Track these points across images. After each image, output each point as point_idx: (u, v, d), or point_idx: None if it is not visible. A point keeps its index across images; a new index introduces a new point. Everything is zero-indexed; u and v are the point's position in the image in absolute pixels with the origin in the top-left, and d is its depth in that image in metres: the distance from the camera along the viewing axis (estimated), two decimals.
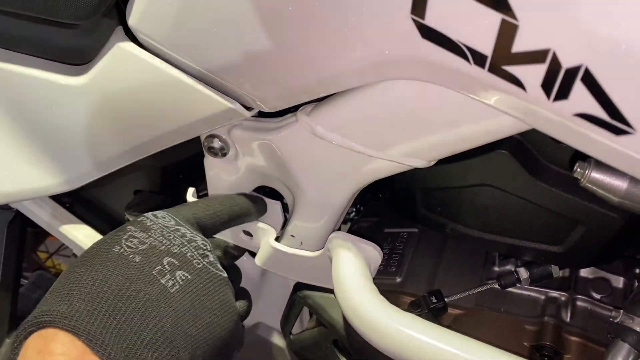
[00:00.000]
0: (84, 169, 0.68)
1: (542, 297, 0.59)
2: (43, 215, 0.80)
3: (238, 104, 0.53)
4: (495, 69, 0.33)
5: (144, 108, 0.57)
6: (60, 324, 0.39)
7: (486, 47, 0.33)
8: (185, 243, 0.48)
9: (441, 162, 0.51)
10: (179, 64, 0.52)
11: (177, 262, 0.46)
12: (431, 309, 0.57)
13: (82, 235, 0.80)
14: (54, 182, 0.70)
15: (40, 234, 1.45)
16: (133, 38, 0.54)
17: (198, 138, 0.62)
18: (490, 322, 0.58)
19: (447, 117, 0.44)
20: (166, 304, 0.43)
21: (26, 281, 1.08)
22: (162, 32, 0.50)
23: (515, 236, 0.54)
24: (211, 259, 0.48)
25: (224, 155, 0.62)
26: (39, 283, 1.07)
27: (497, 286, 0.59)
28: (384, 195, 0.65)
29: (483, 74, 0.34)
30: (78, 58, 0.58)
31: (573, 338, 0.56)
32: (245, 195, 0.60)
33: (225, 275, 0.48)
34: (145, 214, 0.50)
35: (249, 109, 0.54)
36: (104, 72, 0.56)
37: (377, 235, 0.68)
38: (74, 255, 0.87)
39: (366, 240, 0.56)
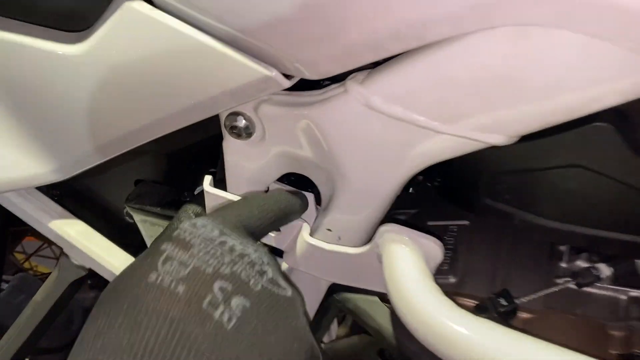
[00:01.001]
0: (80, 154, 0.58)
1: (624, 297, 0.51)
2: (29, 209, 0.70)
3: (276, 71, 0.44)
4: None
5: (158, 79, 0.48)
6: None
7: None
8: (237, 259, 0.38)
9: (520, 139, 0.43)
10: (201, 25, 0.43)
11: (230, 287, 0.36)
12: (501, 312, 0.49)
13: (74, 232, 0.70)
14: (43, 170, 0.61)
15: (18, 234, 1.33)
16: None
17: (212, 118, 0.52)
18: (566, 326, 0.50)
19: (554, 79, 0.35)
20: (225, 346, 0.33)
21: (6, 285, 0.98)
22: None
23: (602, 227, 0.46)
24: (270, 276, 0.38)
25: (249, 136, 0.53)
26: (22, 287, 0.96)
27: (572, 285, 0.51)
28: (433, 183, 0.56)
29: None
30: (76, 23, 0.49)
31: None
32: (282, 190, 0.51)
33: (291, 292, 0.39)
34: (182, 225, 0.39)
35: (288, 77, 0.45)
36: (108, 38, 0.47)
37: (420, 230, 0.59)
38: (63, 254, 0.77)
39: (424, 234, 0.48)
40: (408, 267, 0.47)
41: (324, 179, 0.54)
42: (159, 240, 0.39)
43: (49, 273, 1.49)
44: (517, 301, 0.50)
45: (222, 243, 0.38)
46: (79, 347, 0.33)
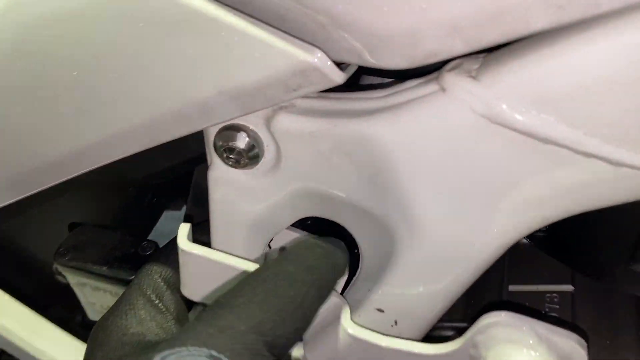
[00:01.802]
0: None
1: None
2: None
3: (320, 53, 0.25)
4: None
5: (131, 69, 0.29)
6: None
7: None
8: None
9: None
10: None
11: None
12: None
13: None
14: None
15: None
16: None
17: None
18: None
19: None
20: None
21: None
22: None
23: None
24: None
25: (254, 162, 0.33)
26: None
27: None
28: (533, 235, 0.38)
29: None
30: None
31: None
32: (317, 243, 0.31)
33: None
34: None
35: (341, 66, 0.26)
36: None
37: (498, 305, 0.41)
38: None
39: (561, 330, 0.29)
40: None
41: (371, 230, 0.35)
42: None
43: None
44: None
45: None
46: None
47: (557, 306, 0.39)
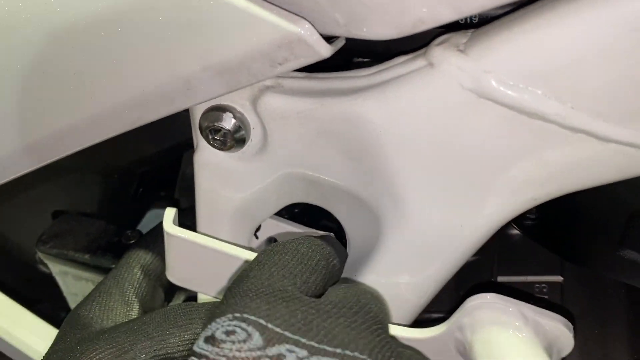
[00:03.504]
0: None
1: None
2: None
3: (308, 25, 0.24)
4: None
5: (112, 44, 0.28)
6: None
7: None
8: None
9: None
10: None
11: None
12: None
13: None
14: None
15: None
16: None
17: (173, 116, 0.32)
18: None
19: None
20: None
21: None
22: None
23: None
24: None
25: (240, 145, 0.33)
26: None
27: None
28: (522, 221, 0.37)
29: None
30: None
31: None
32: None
33: None
34: (195, 347, 0.20)
35: (329, 40, 0.25)
36: None
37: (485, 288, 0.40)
38: None
39: (547, 312, 0.29)
40: None
41: (359, 216, 0.34)
42: None
43: None
44: None
45: (280, 356, 0.19)
46: None
47: (546, 296, 0.39)
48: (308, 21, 0.25)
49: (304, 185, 0.35)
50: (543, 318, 0.28)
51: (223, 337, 0.20)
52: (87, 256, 0.44)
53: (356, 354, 0.20)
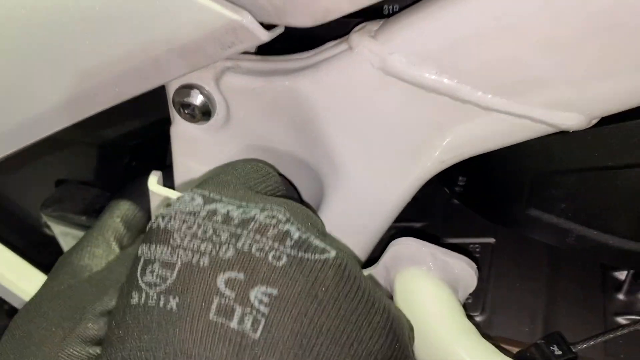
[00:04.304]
0: None
1: None
2: None
3: (249, 15, 0.30)
4: None
5: (75, 29, 0.33)
6: None
7: None
8: (238, 230, 0.26)
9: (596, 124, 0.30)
10: None
11: (241, 276, 0.24)
12: None
13: None
14: None
15: None
16: None
17: (158, 95, 0.38)
18: None
19: None
20: None
21: None
22: None
23: None
24: (297, 236, 0.25)
25: (207, 117, 0.38)
26: None
27: None
28: (453, 186, 0.43)
29: None
30: None
31: None
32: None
33: (334, 252, 0.25)
34: (160, 213, 0.28)
35: (268, 28, 0.31)
36: None
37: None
38: None
39: (453, 253, 0.34)
40: (433, 299, 0.33)
41: (309, 180, 0.40)
42: (135, 244, 0.34)
43: None
44: (573, 348, 0.37)
45: (211, 213, 0.27)
46: None
47: (478, 255, 0.44)
48: (248, 11, 0.30)
49: (264, 154, 0.40)
50: (450, 258, 0.34)
51: (174, 202, 0.27)
52: (84, 218, 0.50)
53: (273, 206, 0.27)
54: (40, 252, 0.57)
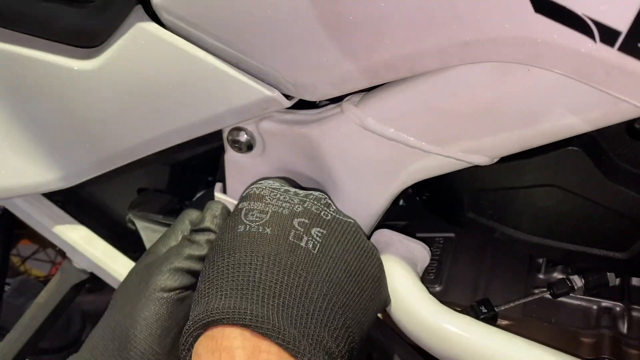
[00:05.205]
0: (86, 165, 0.61)
1: (595, 307, 0.55)
2: (35, 215, 0.73)
3: (277, 92, 0.47)
4: (628, 47, 0.29)
5: (165, 96, 0.51)
6: (225, 320, 0.38)
7: (621, 23, 0.28)
8: (304, 199, 0.46)
9: (501, 160, 0.46)
10: (208, 47, 0.47)
11: (307, 220, 0.44)
12: (481, 319, 0.52)
13: (77, 237, 0.73)
14: (50, 178, 0.63)
15: (13, 237, 1.35)
16: (154, 17, 0.48)
17: (214, 133, 0.56)
18: (541, 333, 0.54)
19: (532, 108, 0.39)
20: (316, 267, 0.42)
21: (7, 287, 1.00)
22: (191, 11, 0.45)
23: (575, 241, 0.50)
24: (334, 207, 0.47)
25: (250, 150, 0.56)
26: (22, 289, 0.98)
27: (548, 295, 0.55)
28: (422, 197, 0.60)
29: (611, 53, 0.30)
30: (89, 40, 0.51)
31: (633, 351, 0.52)
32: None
33: (354, 220, 0.46)
34: (249, 187, 0.49)
35: (289, 97, 0.48)
36: (120, 55, 0.50)
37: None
38: (65, 258, 0.80)
39: (414, 239, 0.52)
40: (402, 272, 0.50)
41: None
42: (238, 203, 0.48)
43: (43, 276, 1.51)
44: (496, 309, 0.54)
45: (286, 190, 0.47)
46: (199, 292, 0.41)
47: (441, 245, 0.62)
48: (277, 88, 0.48)
49: (288, 173, 0.58)
50: (411, 242, 0.51)
51: (263, 181, 0.50)
52: (160, 216, 0.69)
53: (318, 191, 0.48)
54: (125, 242, 0.77)
